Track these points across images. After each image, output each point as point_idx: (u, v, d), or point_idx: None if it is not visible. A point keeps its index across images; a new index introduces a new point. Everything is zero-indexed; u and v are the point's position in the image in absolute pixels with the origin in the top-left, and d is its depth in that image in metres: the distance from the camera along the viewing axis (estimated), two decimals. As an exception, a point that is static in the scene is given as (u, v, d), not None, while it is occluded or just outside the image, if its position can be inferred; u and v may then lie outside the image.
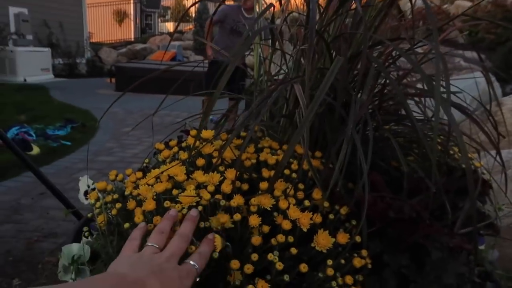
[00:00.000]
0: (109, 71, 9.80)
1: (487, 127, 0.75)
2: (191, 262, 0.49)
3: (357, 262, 0.56)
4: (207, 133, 0.67)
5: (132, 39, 16.37)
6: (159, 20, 20.35)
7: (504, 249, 0.96)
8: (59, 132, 4.67)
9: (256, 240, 0.52)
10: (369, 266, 0.59)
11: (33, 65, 8.85)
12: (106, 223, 0.64)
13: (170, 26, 19.98)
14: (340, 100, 0.66)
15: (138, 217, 0.54)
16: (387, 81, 0.71)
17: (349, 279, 0.54)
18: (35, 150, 3.91)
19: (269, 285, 0.50)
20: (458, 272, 0.58)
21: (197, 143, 0.64)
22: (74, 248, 0.68)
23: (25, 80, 8.58)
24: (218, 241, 0.52)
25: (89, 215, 0.68)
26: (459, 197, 0.68)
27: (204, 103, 3.48)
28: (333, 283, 0.54)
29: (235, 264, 0.49)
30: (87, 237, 0.73)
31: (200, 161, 0.62)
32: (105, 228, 0.63)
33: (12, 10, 8.74)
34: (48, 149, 4.07)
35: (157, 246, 0.49)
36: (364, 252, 0.58)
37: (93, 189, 0.91)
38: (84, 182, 0.91)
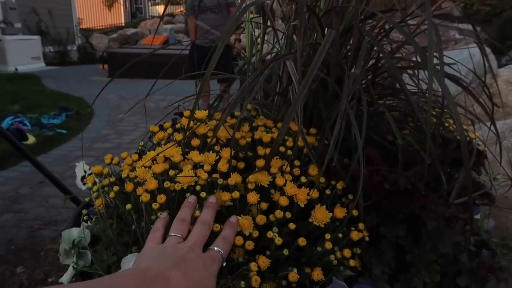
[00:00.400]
0: (101, 57, 9.68)
1: (482, 98, 0.75)
2: (216, 248, 0.48)
3: (355, 235, 0.57)
4: (200, 114, 0.66)
5: (123, 24, 16.12)
6: (150, 3, 19.98)
7: (500, 218, 0.98)
8: (54, 120, 4.64)
9: (260, 219, 0.53)
10: (367, 239, 0.59)
11: (23, 54, 8.73)
12: (104, 207, 0.64)
13: (161, 9, 19.64)
14: (333, 75, 0.65)
15: (145, 195, 0.53)
16: (381, 54, 0.71)
17: (347, 252, 0.55)
18: (31, 139, 3.89)
19: (270, 261, 0.51)
20: (454, 241, 0.59)
21: (191, 123, 0.64)
22: (74, 232, 0.68)
23: (16, 69, 8.47)
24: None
25: (87, 199, 0.68)
26: (454, 168, 0.68)
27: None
28: (332, 257, 0.54)
29: (239, 240, 0.50)
30: (86, 222, 0.74)
31: (195, 142, 0.62)
32: (104, 211, 0.64)
33: (-2, -2, 8.56)
34: (44, 138, 4.06)
35: (180, 236, 0.49)
36: (361, 225, 0.59)
37: (90, 174, 0.92)
38: (80, 168, 0.91)
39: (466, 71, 0.95)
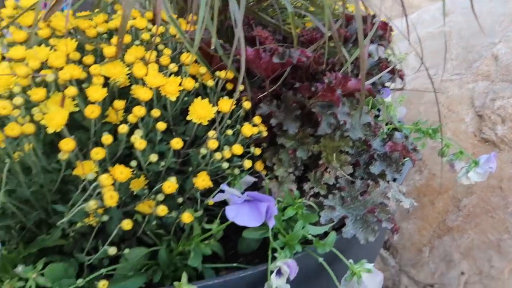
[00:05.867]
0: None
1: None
2: None
3: (247, 130, 0.45)
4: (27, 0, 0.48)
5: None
6: None
7: (411, 111, 0.94)
8: None
9: (122, 128, 0.38)
10: (264, 133, 0.49)
11: None
12: None
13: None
14: None
15: None
16: None
17: (237, 149, 0.44)
18: None
19: (136, 172, 0.38)
20: (364, 123, 0.51)
21: (11, 11, 0.46)
22: None
23: None
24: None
25: None
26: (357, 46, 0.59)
27: None
28: (217, 155, 0.43)
29: (66, 144, 0.35)
30: None
31: (19, 35, 0.45)
32: None
33: None
34: None
35: None
36: (256, 119, 0.48)
37: None
38: None
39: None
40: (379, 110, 0.73)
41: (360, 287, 0.44)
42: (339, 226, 0.47)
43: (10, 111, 0.34)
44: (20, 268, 0.41)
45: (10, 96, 0.40)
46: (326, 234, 0.45)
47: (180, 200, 0.45)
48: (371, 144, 0.53)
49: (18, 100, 0.35)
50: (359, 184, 0.50)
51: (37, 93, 0.37)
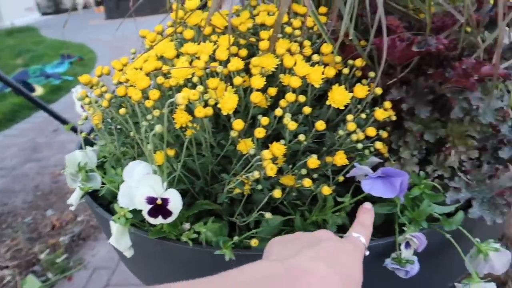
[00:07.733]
0: (96, 0, 9.29)
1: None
2: (354, 234, 0.41)
3: (380, 114, 0.50)
4: (192, 3, 0.57)
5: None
6: None
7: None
8: (58, 69, 4.55)
9: (278, 111, 0.45)
10: (393, 118, 0.53)
11: (15, 6, 8.43)
12: (102, 122, 0.59)
13: None
14: None
15: (136, 93, 0.46)
16: None
17: (371, 131, 0.49)
18: (39, 90, 3.85)
19: (285, 147, 0.45)
20: (495, 108, 0.52)
21: (181, 13, 0.55)
22: (78, 154, 0.64)
23: (12, 23, 8.24)
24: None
25: (82, 118, 0.63)
26: (492, 31, 0.59)
27: None
28: (353, 136, 0.48)
29: (238, 124, 0.43)
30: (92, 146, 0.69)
31: (188, 33, 0.54)
32: (102, 126, 0.58)
33: None
34: (52, 87, 4.01)
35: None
36: (387, 104, 0.52)
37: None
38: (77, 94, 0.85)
39: None
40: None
41: (487, 264, 0.47)
42: (462, 208, 0.50)
43: (197, 97, 0.44)
44: (187, 225, 0.52)
45: (186, 86, 0.50)
46: (448, 215, 0.49)
47: (315, 175, 0.51)
48: (500, 129, 0.54)
49: (200, 88, 0.45)
50: (486, 168, 0.52)
51: (212, 82, 0.46)
